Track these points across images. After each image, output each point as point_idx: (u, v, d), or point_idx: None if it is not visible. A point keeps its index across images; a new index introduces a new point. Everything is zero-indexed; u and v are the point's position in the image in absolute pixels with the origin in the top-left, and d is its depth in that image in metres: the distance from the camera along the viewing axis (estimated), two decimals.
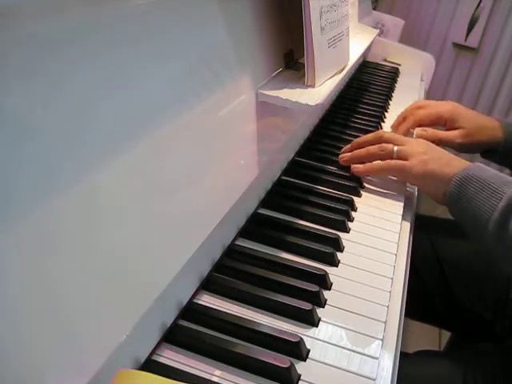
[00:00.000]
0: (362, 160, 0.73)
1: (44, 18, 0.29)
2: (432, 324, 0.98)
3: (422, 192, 0.69)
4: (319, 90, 0.57)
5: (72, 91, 0.30)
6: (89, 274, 0.29)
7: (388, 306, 0.50)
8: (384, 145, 0.71)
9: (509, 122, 0.88)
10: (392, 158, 0.70)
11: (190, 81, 0.42)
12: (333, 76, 0.63)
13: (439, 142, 0.87)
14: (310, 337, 0.44)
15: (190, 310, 0.44)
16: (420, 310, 0.88)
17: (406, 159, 0.68)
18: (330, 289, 0.51)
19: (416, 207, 0.74)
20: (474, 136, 0.86)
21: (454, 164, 0.65)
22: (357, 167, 0.73)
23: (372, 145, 0.73)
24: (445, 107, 0.89)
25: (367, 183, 0.74)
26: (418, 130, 0.89)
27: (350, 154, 0.75)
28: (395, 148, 0.70)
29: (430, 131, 0.87)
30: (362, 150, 0.74)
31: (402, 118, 0.93)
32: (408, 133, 0.93)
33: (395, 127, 0.94)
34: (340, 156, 0.77)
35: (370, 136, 0.75)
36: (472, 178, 0.61)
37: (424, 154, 0.67)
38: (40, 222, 0.26)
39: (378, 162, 0.71)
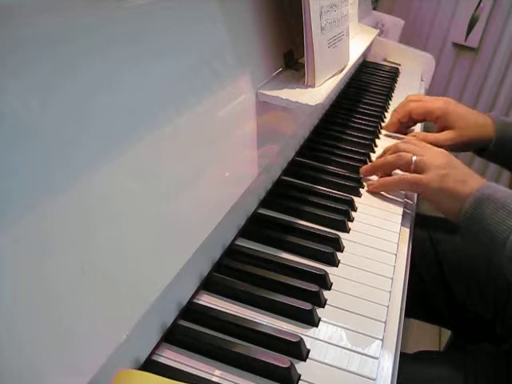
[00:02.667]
0: (380, 170, 0.73)
1: (44, 18, 0.29)
2: (432, 323, 0.98)
3: (435, 207, 0.67)
4: (319, 90, 0.57)
5: (71, 91, 0.30)
6: (89, 274, 0.29)
7: (388, 306, 0.50)
8: (403, 154, 0.70)
9: (502, 119, 0.87)
10: (409, 169, 0.68)
11: (190, 81, 0.42)
12: (333, 76, 0.63)
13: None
14: (310, 337, 0.44)
15: (190, 310, 0.44)
16: (420, 310, 0.88)
17: (423, 171, 0.66)
18: (329, 289, 0.51)
19: (416, 207, 0.73)
20: (465, 136, 0.85)
21: (470, 182, 0.63)
22: (372, 184, 0.72)
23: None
24: (436, 103, 0.89)
25: (367, 183, 0.74)
26: (408, 136, 0.88)
27: (370, 165, 0.75)
28: (414, 158, 0.68)
29: (421, 135, 0.87)
30: (380, 159, 0.74)
31: (395, 113, 0.94)
32: (398, 124, 0.93)
33: (388, 126, 0.95)
34: (361, 169, 0.76)
35: (389, 147, 0.75)
36: (487, 199, 0.60)
37: (443, 168, 0.65)
38: (39, 222, 0.26)
39: (392, 178, 0.71)
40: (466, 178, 0.64)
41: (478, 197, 0.61)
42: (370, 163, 0.76)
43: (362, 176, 0.75)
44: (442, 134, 0.86)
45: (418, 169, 0.67)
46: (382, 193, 0.72)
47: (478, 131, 0.85)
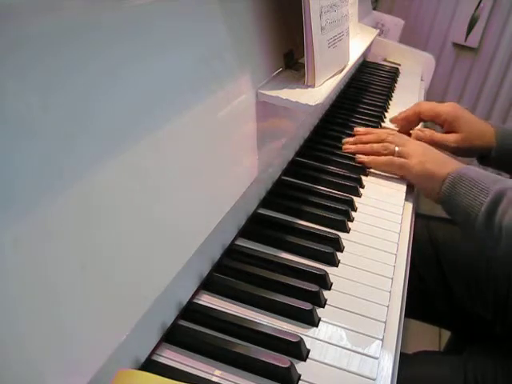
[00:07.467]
0: (365, 154, 0.80)
1: (44, 18, 0.29)
2: (432, 323, 0.98)
3: (419, 190, 0.74)
4: (319, 90, 0.57)
5: (71, 91, 0.30)
6: (89, 274, 0.29)
7: (388, 306, 0.50)
8: (387, 144, 0.77)
9: (503, 127, 0.89)
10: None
11: (190, 81, 0.42)
12: (333, 76, 0.63)
13: (435, 144, 0.87)
14: (310, 337, 0.44)
15: (190, 310, 0.44)
16: (420, 310, 0.88)
17: (406, 159, 0.74)
18: (329, 289, 0.51)
19: (416, 207, 0.74)
20: (470, 141, 0.87)
21: (448, 165, 0.70)
22: (362, 158, 0.79)
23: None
24: (445, 108, 0.90)
25: (367, 183, 0.74)
26: (415, 131, 0.89)
27: (354, 147, 0.82)
28: (396, 148, 0.76)
29: (428, 132, 0.87)
30: (366, 145, 0.81)
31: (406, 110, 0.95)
32: (406, 121, 0.95)
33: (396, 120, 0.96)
34: (344, 147, 0.83)
35: (373, 137, 0.81)
36: (463, 178, 0.66)
37: (422, 155, 0.73)
38: (39, 221, 0.26)
39: (382, 158, 0.77)
40: (445, 161, 0.71)
41: (454, 177, 0.67)
42: (354, 145, 0.82)
43: (343, 149, 0.82)
44: (450, 136, 0.87)
45: (401, 157, 0.75)
46: (382, 193, 0.72)
47: (482, 140, 0.88)
